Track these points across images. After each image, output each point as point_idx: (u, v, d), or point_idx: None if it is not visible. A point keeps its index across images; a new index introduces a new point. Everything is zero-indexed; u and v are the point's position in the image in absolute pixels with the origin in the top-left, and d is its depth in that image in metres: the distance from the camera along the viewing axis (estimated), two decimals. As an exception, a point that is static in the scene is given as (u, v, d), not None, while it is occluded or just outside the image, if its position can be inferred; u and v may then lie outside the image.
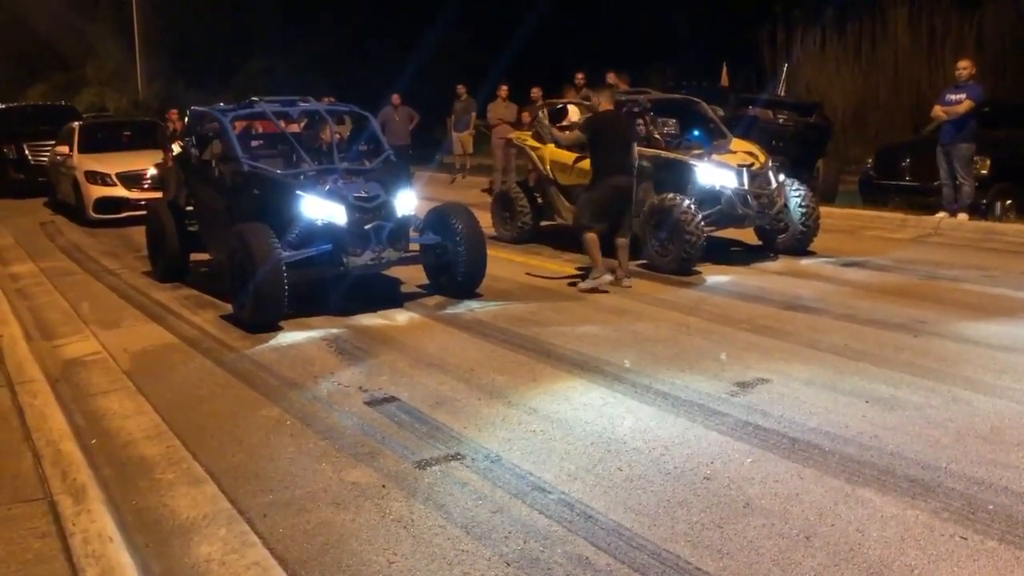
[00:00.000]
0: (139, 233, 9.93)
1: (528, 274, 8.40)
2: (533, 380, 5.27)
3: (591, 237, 7.46)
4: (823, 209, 9.33)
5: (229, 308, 7.02)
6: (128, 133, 15.31)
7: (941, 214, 10.11)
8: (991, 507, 3.49)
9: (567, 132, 8.75)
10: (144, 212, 9.67)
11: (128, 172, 13.11)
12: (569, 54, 20.42)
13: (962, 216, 9.91)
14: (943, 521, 3.38)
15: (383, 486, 3.88)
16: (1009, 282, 7.50)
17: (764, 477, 3.83)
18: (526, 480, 3.88)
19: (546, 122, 9.21)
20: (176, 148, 9.33)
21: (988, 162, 10.29)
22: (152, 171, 12.88)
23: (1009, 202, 10.27)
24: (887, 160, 12.28)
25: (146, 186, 12.99)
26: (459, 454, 4.19)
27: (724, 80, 17.94)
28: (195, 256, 8.62)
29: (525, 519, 3.52)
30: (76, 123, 15.47)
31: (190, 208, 8.65)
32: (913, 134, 13.43)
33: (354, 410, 4.88)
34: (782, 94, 17.21)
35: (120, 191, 13.02)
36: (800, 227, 8.67)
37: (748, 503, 3.60)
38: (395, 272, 7.82)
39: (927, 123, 12.25)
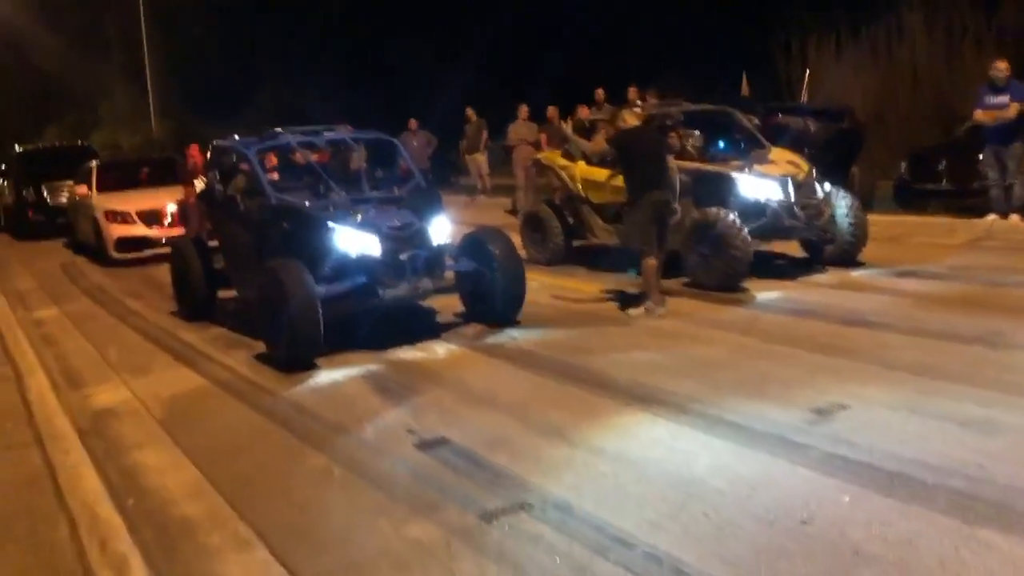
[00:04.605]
0: (162, 272, 9.70)
1: (554, 297, 8.08)
2: (591, 415, 4.93)
3: (651, 263, 7.10)
4: (865, 217, 8.95)
5: (260, 347, 6.74)
6: (147, 170, 15.12)
7: (992, 216, 9.74)
8: None
9: (593, 144, 8.46)
10: (166, 250, 9.46)
11: (148, 209, 12.90)
12: (585, 72, 20.19)
13: (1014, 217, 9.55)
14: (1083, 565, 3.03)
15: (448, 543, 3.55)
16: (1077, 286, 7.12)
17: (868, 519, 3.47)
18: (604, 532, 3.54)
19: (570, 132, 8.87)
20: (199, 184, 9.10)
21: (1035, 161, 9.92)
22: (172, 207, 12.69)
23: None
24: (923, 164, 11.94)
25: (167, 223, 12.79)
26: (526, 503, 3.86)
27: (744, 90, 17.65)
28: (221, 293, 8.37)
29: (611, 578, 3.18)
30: (94, 162, 15.34)
31: (215, 244, 8.40)
32: (945, 136, 13.08)
33: (405, 455, 4.57)
34: (805, 100, 16.91)
35: (141, 229, 12.81)
36: (848, 237, 8.31)
37: (856, 551, 3.25)
38: (429, 301, 7.50)
39: (959, 125, 11.92)
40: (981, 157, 10.05)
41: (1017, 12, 17.83)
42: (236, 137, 8.92)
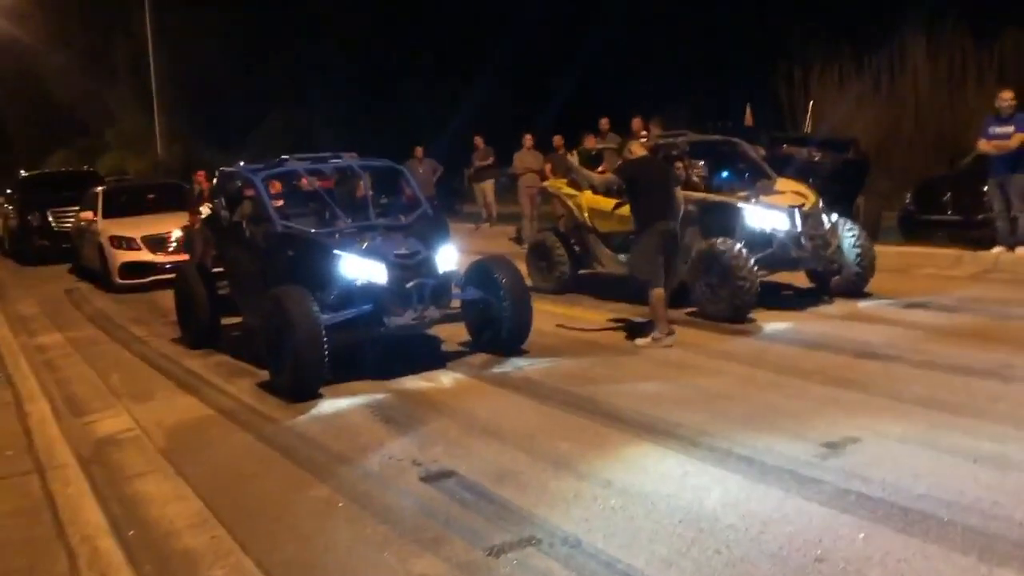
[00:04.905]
0: (166, 298, 9.67)
1: (559, 326, 8.03)
2: (599, 447, 4.87)
3: (658, 293, 7.05)
4: (870, 248, 8.91)
5: (264, 375, 6.69)
6: (152, 196, 15.14)
7: (998, 249, 9.68)
8: None
9: (599, 174, 8.43)
10: (170, 276, 9.43)
11: (153, 235, 12.91)
12: (590, 101, 20.31)
13: (1021, 250, 9.48)
14: (1107, 607, 2.95)
15: (455, 579, 3.49)
16: (1088, 319, 7.06)
17: (884, 557, 3.40)
18: (614, 568, 3.47)
19: (575, 162, 8.85)
20: (205, 210, 9.10)
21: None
22: (177, 233, 12.68)
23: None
24: (928, 194, 11.90)
25: (171, 249, 12.78)
26: (534, 538, 3.78)
27: (748, 120, 17.68)
28: (225, 320, 8.32)
29: (622, 617, 3.11)
30: (100, 188, 15.36)
31: (219, 270, 8.38)
32: (948, 167, 13.06)
33: (411, 488, 4.50)
34: (808, 131, 16.94)
35: (146, 255, 12.80)
36: (855, 268, 8.27)
37: (873, 590, 3.18)
38: (434, 329, 7.46)
39: (963, 156, 11.89)
40: (986, 188, 10.03)
41: (1017, 44, 17.91)
42: (242, 164, 8.93)
